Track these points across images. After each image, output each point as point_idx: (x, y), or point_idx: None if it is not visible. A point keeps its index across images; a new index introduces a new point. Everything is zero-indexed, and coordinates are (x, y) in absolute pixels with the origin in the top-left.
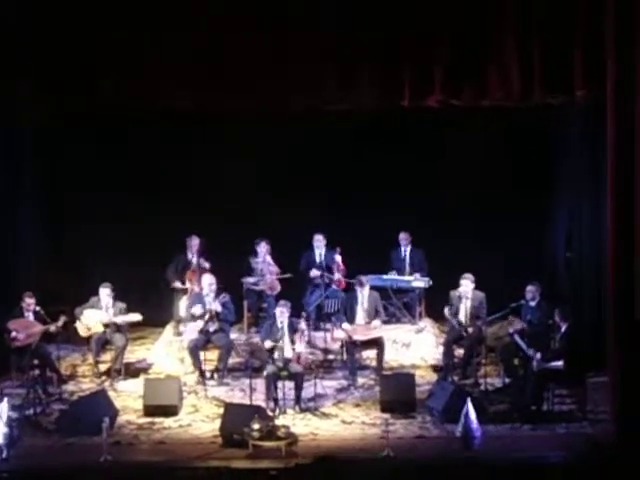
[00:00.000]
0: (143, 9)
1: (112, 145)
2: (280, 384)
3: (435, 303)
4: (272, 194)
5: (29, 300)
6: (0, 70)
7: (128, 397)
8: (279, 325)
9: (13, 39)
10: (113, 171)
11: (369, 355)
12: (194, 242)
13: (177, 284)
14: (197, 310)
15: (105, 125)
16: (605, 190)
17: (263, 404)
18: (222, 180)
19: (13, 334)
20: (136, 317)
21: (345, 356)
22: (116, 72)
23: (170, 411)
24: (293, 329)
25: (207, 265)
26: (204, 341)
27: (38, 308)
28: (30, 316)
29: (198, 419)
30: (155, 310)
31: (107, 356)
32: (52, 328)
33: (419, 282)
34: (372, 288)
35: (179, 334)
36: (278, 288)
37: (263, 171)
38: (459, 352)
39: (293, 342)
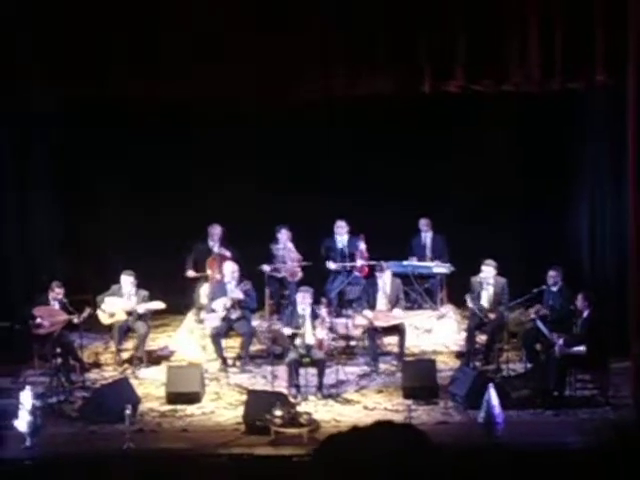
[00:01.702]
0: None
1: (131, 133)
2: (302, 371)
3: (457, 289)
4: (292, 180)
5: (58, 290)
6: (12, 57)
7: (150, 385)
8: (300, 312)
9: (26, 27)
10: (132, 159)
11: (391, 341)
12: (216, 230)
13: (191, 273)
14: (218, 305)
15: (122, 112)
16: (627, 174)
17: (285, 391)
18: (242, 167)
19: (38, 321)
20: (159, 305)
21: (367, 342)
22: (127, 62)
23: (192, 398)
24: (314, 315)
25: (228, 254)
26: (226, 328)
27: (62, 297)
28: (56, 305)
29: (221, 406)
30: (177, 297)
31: (129, 344)
32: (76, 320)
33: (440, 268)
34: (394, 275)
35: (201, 321)
36: (299, 275)
37: (282, 158)
38: (481, 338)
39: (314, 328)
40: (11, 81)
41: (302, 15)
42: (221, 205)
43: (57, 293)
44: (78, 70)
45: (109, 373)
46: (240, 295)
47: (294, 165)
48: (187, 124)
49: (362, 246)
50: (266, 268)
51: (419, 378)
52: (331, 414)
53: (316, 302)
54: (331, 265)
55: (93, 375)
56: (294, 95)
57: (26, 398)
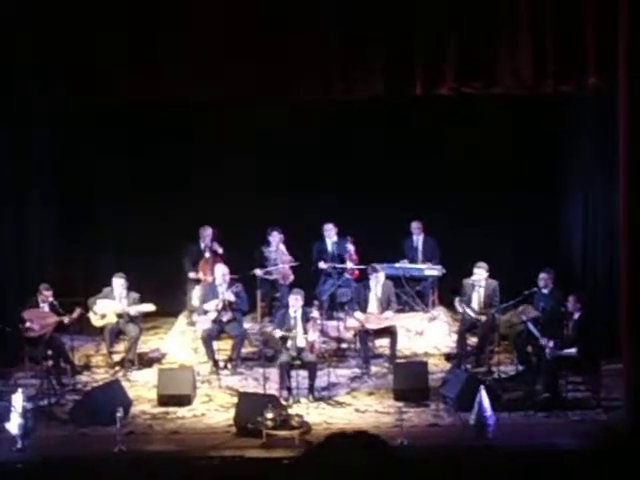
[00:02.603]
0: (149, 5)
1: (122, 137)
2: (293, 373)
3: (448, 291)
4: (284, 183)
5: (46, 292)
6: (12, 57)
7: (142, 387)
8: (292, 314)
9: (26, 27)
10: (125, 162)
11: (382, 343)
12: (207, 232)
13: (193, 275)
14: (210, 306)
15: (121, 112)
16: (618, 177)
17: (277, 393)
18: (233, 169)
19: (28, 324)
20: (150, 307)
21: (358, 345)
22: (126, 66)
23: (184, 401)
24: (306, 318)
25: (220, 250)
26: (217, 331)
27: (52, 299)
28: (45, 307)
29: (212, 408)
30: (168, 300)
31: (120, 346)
32: (66, 320)
33: (432, 270)
34: (385, 277)
35: (192, 324)
36: (291, 277)
37: (274, 160)
38: (472, 340)
39: (306, 331)
40: (11, 81)
41: (302, 15)
42: (213, 207)
43: (46, 296)
44: (78, 70)
45: (100, 375)
46: (231, 297)
47: (286, 167)
48: (184, 126)
49: (350, 248)
50: (259, 272)
51: (410, 380)
52: (322, 416)
53: (307, 305)
54: (322, 264)
55: (84, 377)
56: (294, 95)
57: (17, 401)
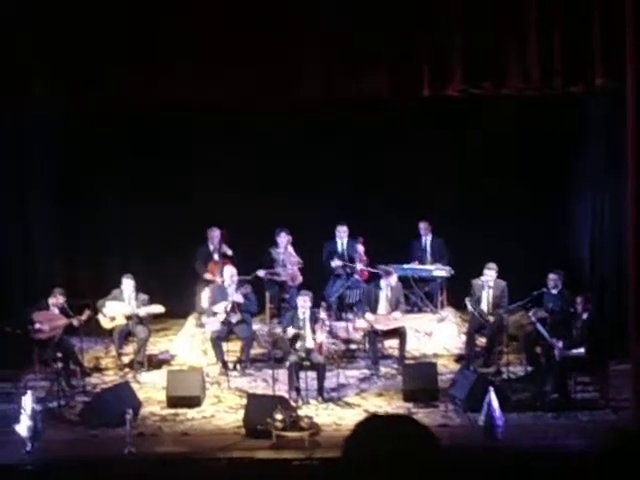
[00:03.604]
0: (147, 7)
1: (130, 138)
2: (302, 374)
3: (457, 292)
4: (291, 183)
5: (60, 296)
6: (12, 57)
7: (151, 389)
8: (300, 315)
9: (24, 37)
10: (130, 164)
11: (391, 344)
12: (215, 233)
13: (208, 276)
14: (218, 308)
15: (122, 113)
16: (627, 178)
17: (286, 394)
18: (233, 169)
19: (37, 326)
20: (159, 309)
21: (367, 346)
22: (126, 66)
23: (193, 402)
24: (314, 319)
25: (229, 252)
26: (226, 332)
27: (62, 302)
28: (55, 310)
29: (221, 410)
30: (177, 302)
31: (130, 348)
32: (75, 322)
33: (440, 271)
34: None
35: (201, 325)
36: (300, 279)
37: (274, 160)
38: (481, 341)
39: (314, 332)
40: (11, 81)
41: (302, 15)
42: (215, 207)
43: (58, 299)
44: (78, 70)
45: (110, 377)
46: (240, 299)
47: (286, 167)
48: (187, 126)
49: (360, 249)
50: (261, 273)
51: (419, 381)
52: (332, 418)
53: (316, 306)
54: (335, 262)
55: (94, 379)
56: (294, 95)
57: (27, 402)
